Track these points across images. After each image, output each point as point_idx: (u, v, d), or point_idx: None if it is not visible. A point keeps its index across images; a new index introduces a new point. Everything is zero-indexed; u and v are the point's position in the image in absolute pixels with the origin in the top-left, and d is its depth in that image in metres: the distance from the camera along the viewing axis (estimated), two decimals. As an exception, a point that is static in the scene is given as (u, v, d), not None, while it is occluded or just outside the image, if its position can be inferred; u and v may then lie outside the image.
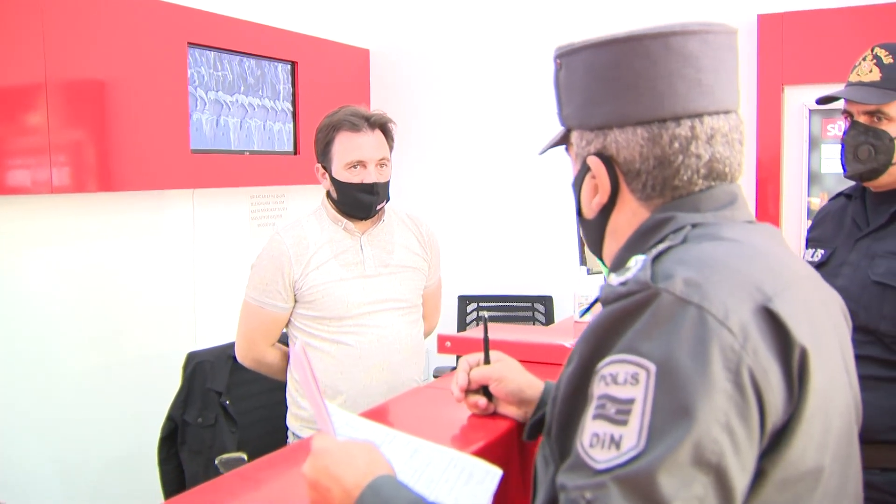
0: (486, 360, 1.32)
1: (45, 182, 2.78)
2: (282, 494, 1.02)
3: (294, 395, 2.26)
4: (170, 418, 2.89)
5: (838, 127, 3.49)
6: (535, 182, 4.09)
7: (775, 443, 0.82)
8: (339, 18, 4.34)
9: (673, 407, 0.77)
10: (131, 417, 3.17)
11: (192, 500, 1.04)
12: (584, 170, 1.02)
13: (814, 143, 3.59)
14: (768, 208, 3.67)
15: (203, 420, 2.84)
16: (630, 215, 1.00)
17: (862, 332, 1.80)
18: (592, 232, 1.05)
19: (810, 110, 3.57)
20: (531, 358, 1.68)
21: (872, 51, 1.84)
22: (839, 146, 1.91)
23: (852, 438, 0.96)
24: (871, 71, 1.83)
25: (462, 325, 4.09)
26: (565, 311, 3.84)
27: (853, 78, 1.87)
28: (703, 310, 0.80)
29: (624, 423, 0.78)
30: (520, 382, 1.31)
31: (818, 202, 3.55)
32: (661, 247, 0.90)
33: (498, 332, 1.96)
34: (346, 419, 1.10)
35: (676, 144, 0.94)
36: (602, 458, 0.78)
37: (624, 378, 0.80)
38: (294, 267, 2.15)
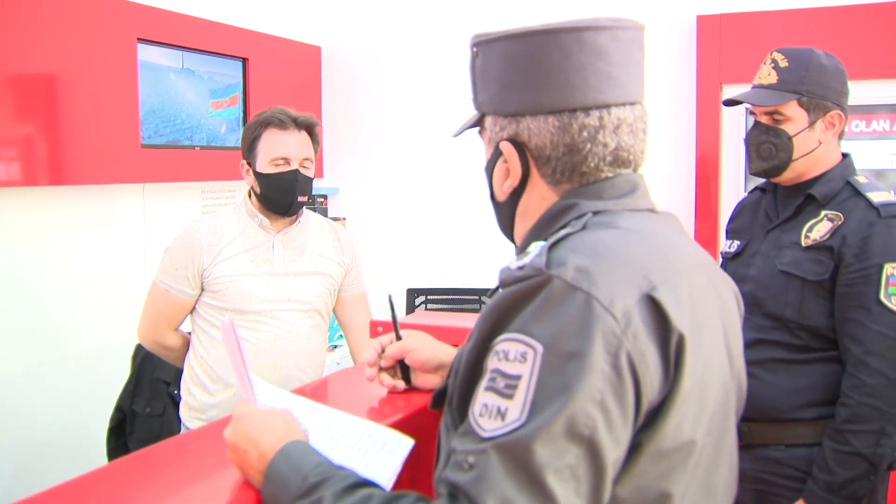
0: (398, 337, 1.37)
1: (-9, 176, 2.80)
2: (212, 461, 1.09)
3: (188, 382, 2.31)
4: (118, 408, 2.93)
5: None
6: (484, 178, 4.17)
7: (651, 419, 0.90)
8: (290, 15, 4.38)
9: (554, 385, 0.84)
10: (80, 408, 3.18)
11: (123, 467, 1.10)
12: (497, 154, 1.08)
13: (749, 140, 3.72)
14: (708, 203, 3.80)
15: (151, 410, 2.89)
16: (539, 199, 1.06)
17: (770, 318, 1.92)
18: (504, 214, 1.12)
19: (747, 109, 3.70)
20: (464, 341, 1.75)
21: (771, 55, 1.95)
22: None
23: (728, 415, 1.03)
24: (769, 74, 1.94)
25: (412, 318, 4.17)
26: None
27: (755, 81, 1.98)
28: (591, 296, 0.87)
29: (510, 396, 0.85)
30: (433, 349, 1.35)
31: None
32: (560, 233, 0.96)
33: (434, 318, 2.03)
34: (270, 392, 1.17)
35: (585, 133, 1.01)
36: (488, 426, 0.85)
37: (514, 356, 0.87)
38: (204, 256, 2.21)
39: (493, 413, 0.86)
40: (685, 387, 0.91)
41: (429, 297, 4.23)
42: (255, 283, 2.22)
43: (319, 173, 4.49)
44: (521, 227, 1.10)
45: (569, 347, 0.85)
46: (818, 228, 1.87)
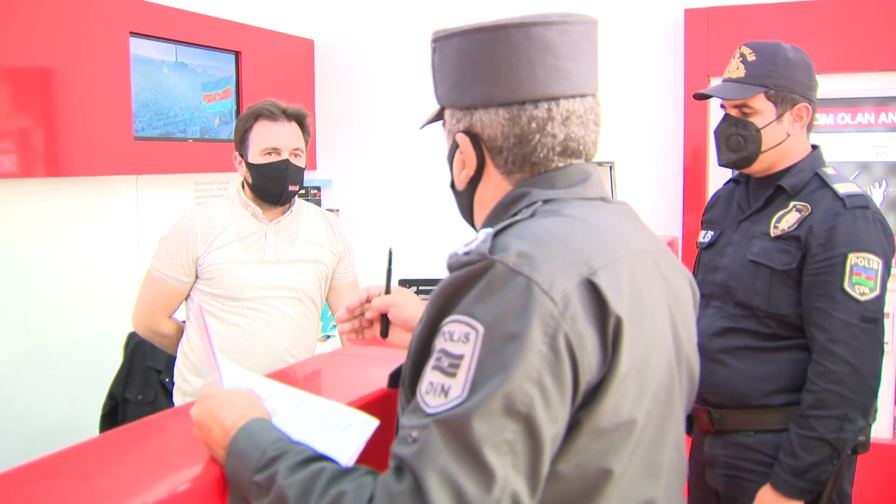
0: (387, 291, 1.41)
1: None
2: (182, 439, 1.14)
3: (181, 369, 2.36)
4: (111, 396, 2.99)
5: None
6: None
7: (590, 398, 0.93)
8: (283, 8, 4.42)
9: (493, 364, 0.88)
10: (74, 395, 3.24)
11: (98, 444, 1.15)
12: (455, 145, 1.12)
13: (736, 133, 3.75)
14: (696, 195, 3.83)
15: (143, 397, 2.94)
16: (494, 188, 1.11)
17: (740, 307, 1.96)
18: (463, 202, 1.18)
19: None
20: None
21: (740, 49, 1.99)
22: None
23: (672, 398, 1.06)
24: (737, 68, 1.98)
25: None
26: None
27: (724, 74, 2.02)
28: (531, 280, 0.90)
29: (453, 375, 0.89)
30: (418, 309, 1.37)
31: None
32: (507, 221, 1.01)
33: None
34: (238, 374, 1.22)
35: (534, 124, 1.05)
36: (432, 403, 0.89)
37: (458, 336, 0.91)
38: (199, 244, 2.27)
39: (437, 391, 0.90)
40: (623, 368, 0.94)
41: (420, 288, 4.28)
42: (247, 270, 2.27)
43: (313, 165, 4.53)
44: (480, 214, 1.15)
45: (508, 329, 0.89)
46: (787, 219, 1.91)
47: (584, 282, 0.94)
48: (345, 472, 0.94)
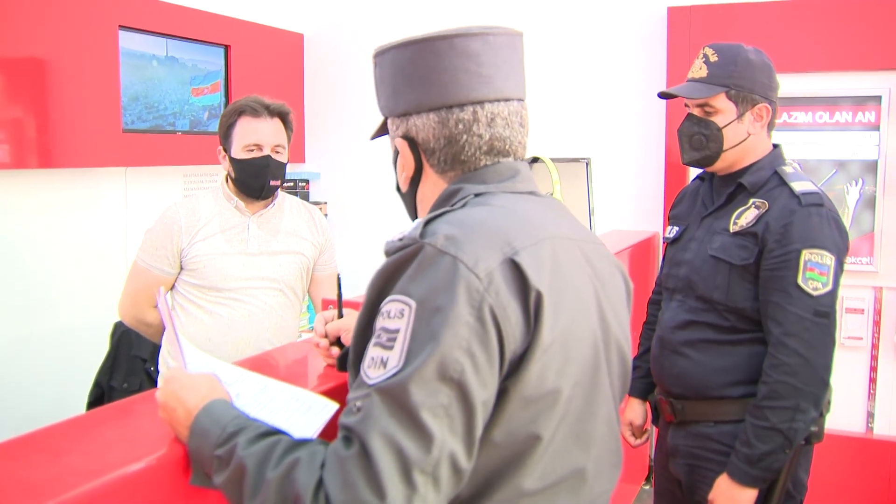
0: (340, 315, 1.49)
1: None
2: (149, 420, 1.21)
3: (166, 356, 2.43)
4: (97, 384, 3.05)
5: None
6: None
7: (516, 367, 1.02)
8: (273, 2, 4.47)
9: (425, 335, 0.96)
10: (61, 383, 3.30)
11: (71, 425, 1.21)
12: (396, 151, 1.22)
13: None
14: (676, 190, 3.87)
15: (129, 385, 3.01)
16: (432, 186, 1.21)
17: (701, 301, 2.03)
18: (408, 201, 1.28)
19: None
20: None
21: (703, 50, 2.06)
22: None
23: (598, 373, 1.15)
24: (700, 68, 2.04)
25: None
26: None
27: (689, 75, 2.08)
28: (457, 259, 0.99)
29: (391, 348, 0.98)
30: None
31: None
32: (438, 211, 1.11)
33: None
34: (203, 359, 1.29)
35: (461, 126, 1.15)
36: (373, 375, 0.98)
37: (394, 313, 1.00)
38: (183, 236, 2.33)
39: (377, 363, 0.98)
40: (545, 339, 1.03)
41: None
42: (230, 262, 2.34)
43: (301, 158, 4.59)
44: (422, 211, 1.24)
45: (437, 302, 0.97)
46: (746, 215, 1.97)
47: (507, 261, 1.02)
48: (299, 443, 1.02)
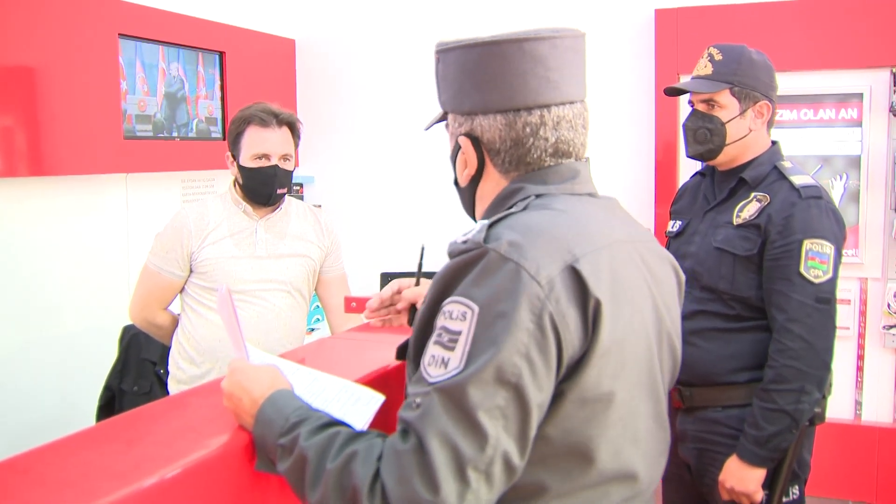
0: (417, 283, 1.54)
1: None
2: (210, 411, 1.26)
3: (176, 357, 2.48)
4: (107, 388, 3.08)
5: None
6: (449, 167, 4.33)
7: (573, 371, 1.05)
8: (265, 9, 4.51)
9: (486, 340, 1.00)
10: (69, 389, 3.32)
11: (133, 416, 1.27)
12: (458, 147, 1.25)
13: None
14: (667, 188, 3.98)
15: (139, 388, 3.04)
16: (493, 184, 1.23)
17: (707, 291, 2.11)
18: (466, 197, 1.30)
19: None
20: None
21: (708, 50, 2.16)
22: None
23: (652, 375, 1.19)
24: (705, 66, 2.14)
25: (386, 301, 4.32)
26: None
27: (694, 73, 2.18)
28: (520, 266, 1.02)
29: (452, 349, 1.01)
30: None
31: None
32: (501, 213, 1.14)
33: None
34: (261, 354, 1.36)
35: (528, 129, 1.17)
36: (434, 374, 1.02)
37: (456, 315, 1.03)
38: (193, 240, 2.38)
39: (438, 363, 1.02)
40: (603, 345, 1.06)
41: (402, 281, 4.39)
42: (239, 265, 2.39)
43: (295, 162, 4.63)
44: (480, 208, 1.28)
45: (499, 308, 1.01)
46: (748, 208, 2.07)
47: (568, 268, 1.05)
48: (357, 435, 1.08)
